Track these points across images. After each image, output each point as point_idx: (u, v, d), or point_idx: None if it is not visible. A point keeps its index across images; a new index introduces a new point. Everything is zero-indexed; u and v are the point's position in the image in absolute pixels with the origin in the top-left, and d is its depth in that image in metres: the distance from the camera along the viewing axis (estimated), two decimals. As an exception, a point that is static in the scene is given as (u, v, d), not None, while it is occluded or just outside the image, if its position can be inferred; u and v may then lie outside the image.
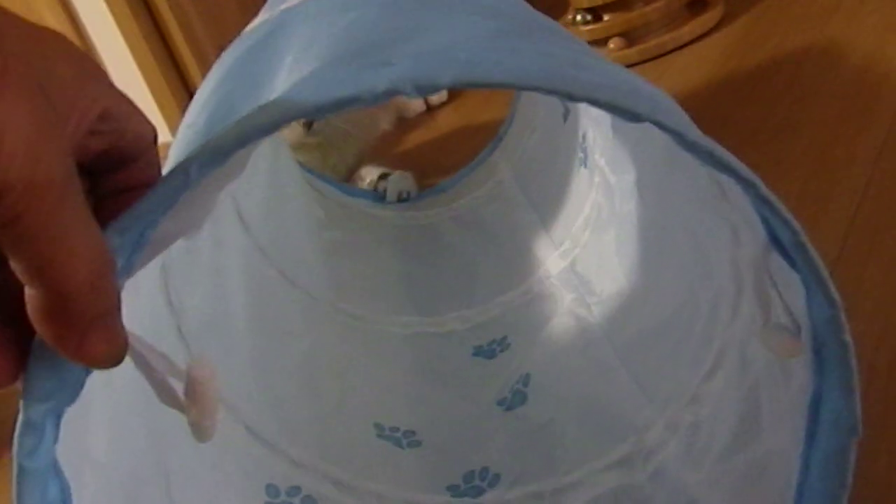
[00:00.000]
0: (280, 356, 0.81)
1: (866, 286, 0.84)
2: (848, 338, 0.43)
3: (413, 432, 0.80)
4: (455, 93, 1.93)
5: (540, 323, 0.88)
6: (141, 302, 0.61)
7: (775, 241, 0.44)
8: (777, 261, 0.46)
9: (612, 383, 0.74)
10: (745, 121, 1.27)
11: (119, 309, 0.37)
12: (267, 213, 1.00)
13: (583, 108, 0.95)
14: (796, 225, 0.42)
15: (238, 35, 0.85)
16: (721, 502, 0.56)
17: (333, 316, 0.96)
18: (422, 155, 1.62)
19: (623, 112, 0.39)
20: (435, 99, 1.96)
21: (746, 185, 0.41)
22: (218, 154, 0.38)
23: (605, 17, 1.78)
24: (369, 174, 1.37)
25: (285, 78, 0.57)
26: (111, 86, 0.41)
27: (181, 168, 0.38)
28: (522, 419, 0.79)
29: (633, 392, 0.71)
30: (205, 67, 1.77)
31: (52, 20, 1.78)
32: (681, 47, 1.69)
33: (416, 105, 1.94)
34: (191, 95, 1.79)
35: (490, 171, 1.25)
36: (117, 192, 0.43)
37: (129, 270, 0.40)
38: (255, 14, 0.94)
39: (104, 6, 1.72)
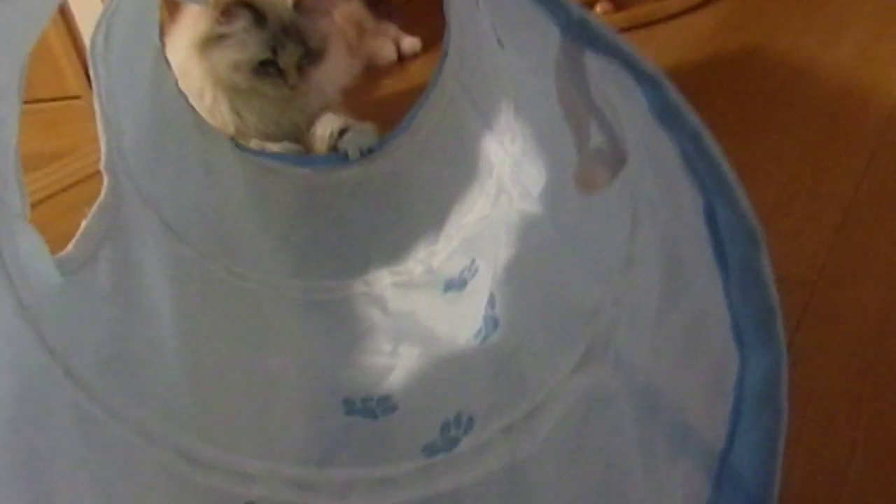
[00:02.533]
0: (218, 360, 0.73)
1: (874, 251, 0.77)
2: (695, 123, 0.31)
3: (388, 397, 0.71)
4: (428, 44, 1.81)
5: (498, 234, 0.78)
6: None
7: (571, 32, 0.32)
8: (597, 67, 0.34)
9: (563, 270, 0.63)
10: (737, 91, 1.21)
11: None
12: (202, 213, 0.92)
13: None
14: (569, 6, 0.30)
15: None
16: (669, 370, 0.44)
17: (295, 295, 0.88)
18: (391, 105, 1.51)
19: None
20: (408, 49, 1.85)
21: None
22: None
23: (595, -19, 1.71)
24: (329, 125, 1.27)
25: None
26: None
27: None
28: (495, 348, 0.68)
29: (582, 273, 0.60)
30: None
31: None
32: (670, 18, 1.62)
33: (388, 54, 1.84)
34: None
35: (442, 92, 1.13)
36: None
37: None
38: None
39: None
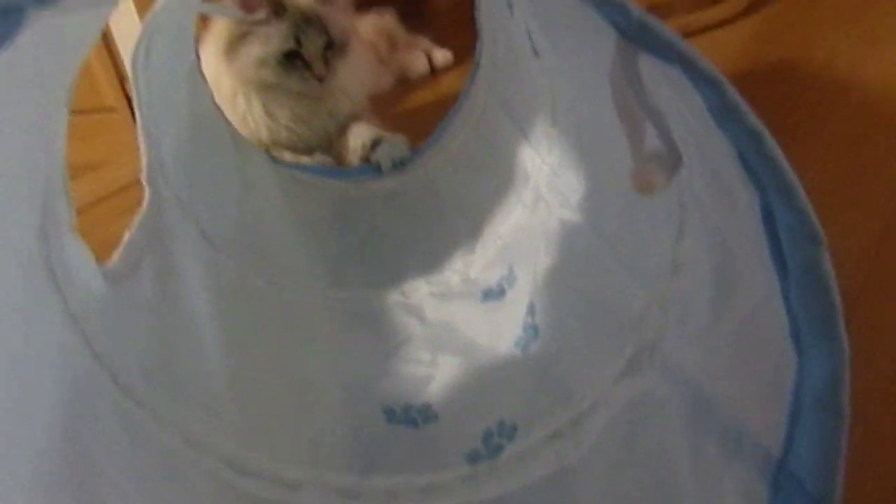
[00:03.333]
0: (259, 369, 0.73)
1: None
2: (755, 123, 0.31)
3: (428, 405, 0.71)
4: (461, 57, 1.81)
5: (536, 242, 0.77)
6: (44, 368, 0.55)
7: (628, 35, 0.33)
8: (652, 63, 0.34)
9: (605, 277, 0.63)
10: (775, 103, 1.19)
11: None
12: (239, 224, 0.93)
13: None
14: (627, 4, 0.30)
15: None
16: (722, 374, 0.44)
17: (332, 305, 0.88)
18: (423, 116, 1.52)
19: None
20: (440, 62, 1.85)
21: None
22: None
23: (626, -7, 1.71)
24: (360, 137, 1.28)
25: None
26: None
27: None
28: (536, 357, 0.68)
29: (625, 280, 0.60)
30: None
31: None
32: (705, 30, 1.61)
33: (420, 67, 1.84)
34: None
35: (475, 102, 1.14)
36: None
37: None
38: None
39: None
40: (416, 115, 1.57)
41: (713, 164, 0.37)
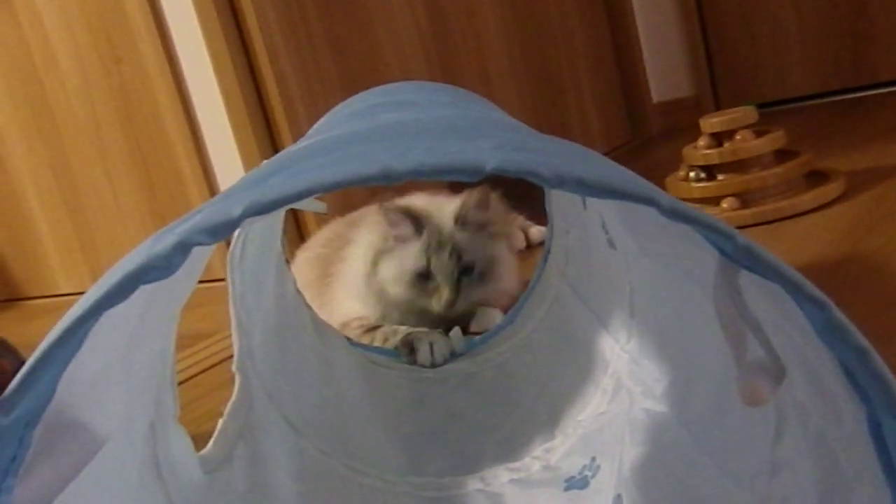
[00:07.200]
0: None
1: None
2: (861, 341, 0.33)
3: None
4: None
5: (620, 432, 0.78)
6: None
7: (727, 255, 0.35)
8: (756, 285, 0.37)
9: (697, 473, 0.62)
10: (877, 293, 1.17)
11: None
12: (320, 409, 0.95)
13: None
14: (734, 233, 0.33)
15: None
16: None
17: (411, 492, 0.88)
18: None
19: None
20: (536, 238, 1.89)
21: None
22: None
23: (720, 177, 1.75)
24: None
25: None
26: None
27: None
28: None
29: (719, 477, 0.59)
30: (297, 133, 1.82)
31: (165, 96, 1.99)
32: (799, 215, 1.63)
33: (518, 243, 1.88)
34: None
35: (546, 287, 1.17)
36: None
37: None
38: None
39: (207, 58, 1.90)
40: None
41: (815, 372, 0.39)
